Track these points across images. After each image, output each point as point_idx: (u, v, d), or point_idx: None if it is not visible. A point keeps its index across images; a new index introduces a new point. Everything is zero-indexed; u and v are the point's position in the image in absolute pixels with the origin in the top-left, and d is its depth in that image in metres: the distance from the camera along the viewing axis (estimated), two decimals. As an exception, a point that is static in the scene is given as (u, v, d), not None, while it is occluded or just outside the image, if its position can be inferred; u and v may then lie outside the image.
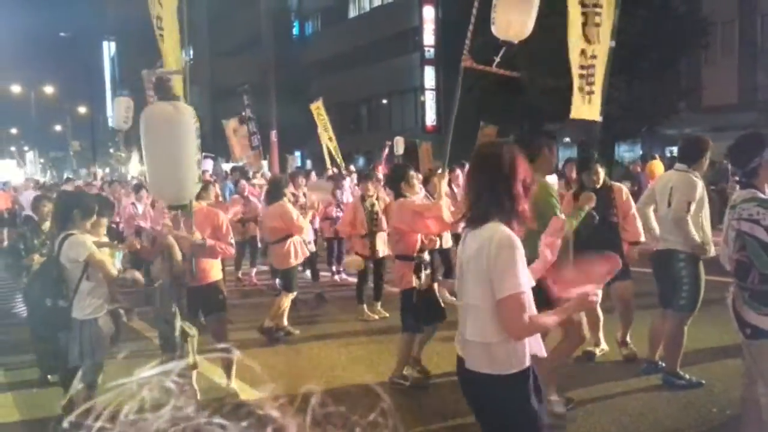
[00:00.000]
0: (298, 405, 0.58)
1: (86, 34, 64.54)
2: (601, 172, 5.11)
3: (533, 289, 2.35)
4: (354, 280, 7.67)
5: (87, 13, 71.57)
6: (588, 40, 4.63)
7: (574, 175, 5.95)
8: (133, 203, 9.27)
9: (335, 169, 13.31)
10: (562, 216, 3.91)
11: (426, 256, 4.93)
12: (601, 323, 5.30)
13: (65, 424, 0.57)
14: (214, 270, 4.93)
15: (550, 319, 2.34)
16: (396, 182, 5.22)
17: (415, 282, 4.84)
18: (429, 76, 31.43)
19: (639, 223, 5.21)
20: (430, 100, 31.65)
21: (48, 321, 4.22)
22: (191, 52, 41.26)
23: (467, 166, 2.87)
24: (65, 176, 30.52)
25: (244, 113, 15.16)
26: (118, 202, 10.08)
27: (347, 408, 0.62)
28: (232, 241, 5.12)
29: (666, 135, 21.25)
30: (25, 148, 64.84)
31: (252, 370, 0.72)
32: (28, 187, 16.75)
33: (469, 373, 2.34)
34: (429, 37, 30.96)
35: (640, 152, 22.73)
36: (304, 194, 8.30)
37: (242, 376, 4.49)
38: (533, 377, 2.32)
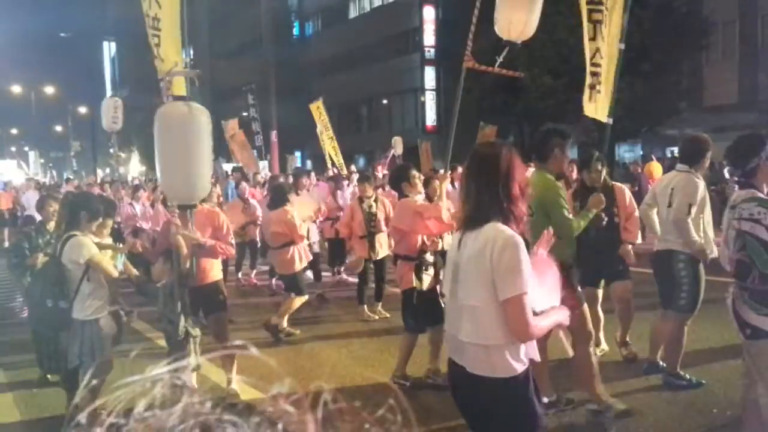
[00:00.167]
0: (300, 404, 0.58)
1: (86, 35, 64.58)
2: (602, 171, 5.10)
3: None
4: (355, 280, 7.67)
5: (87, 14, 71.59)
6: (598, 41, 4.62)
7: (574, 175, 5.94)
8: (131, 203, 9.28)
9: (335, 170, 13.31)
10: (570, 216, 3.91)
11: (429, 257, 4.91)
12: (602, 324, 5.30)
13: (78, 421, 0.57)
14: (214, 270, 4.93)
15: (546, 322, 2.33)
16: (398, 182, 5.23)
17: (415, 282, 4.84)
18: (429, 76, 31.46)
19: (638, 226, 5.20)
20: (430, 100, 31.67)
21: (49, 321, 4.22)
22: (191, 53, 41.30)
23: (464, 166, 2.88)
24: (65, 177, 30.52)
25: (247, 113, 15.19)
26: (120, 202, 10.09)
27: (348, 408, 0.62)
28: (233, 241, 5.13)
29: (667, 135, 21.25)
30: (26, 149, 64.84)
31: (252, 370, 0.72)
32: (30, 188, 16.75)
33: (467, 377, 2.30)
34: (429, 38, 30.98)
35: (641, 153, 22.75)
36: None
37: (243, 376, 4.49)
38: (532, 379, 2.32)
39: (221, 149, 19.54)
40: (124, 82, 60.89)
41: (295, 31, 41.76)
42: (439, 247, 4.99)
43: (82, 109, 48.45)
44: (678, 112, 19.85)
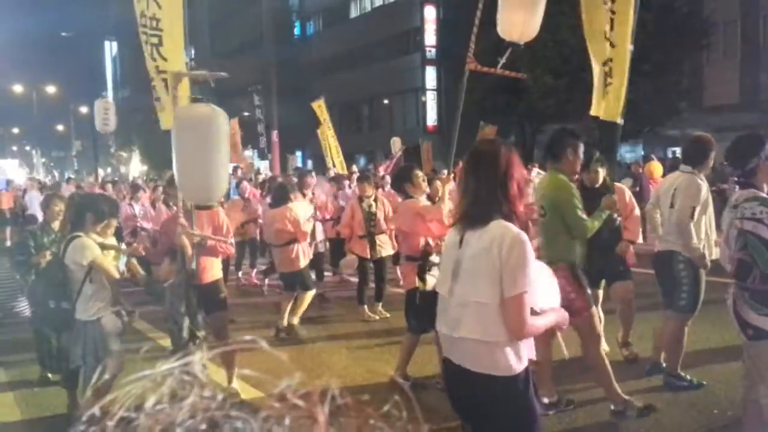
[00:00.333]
0: (308, 400, 0.58)
1: (88, 34, 64.64)
2: (601, 171, 5.10)
3: None
4: (355, 280, 7.68)
5: (89, 13, 71.68)
6: (610, 44, 4.62)
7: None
8: (130, 203, 9.29)
9: (335, 169, 13.32)
10: (584, 216, 3.91)
11: (435, 258, 4.91)
12: (602, 324, 5.29)
13: (89, 416, 0.58)
14: (214, 269, 4.94)
15: (542, 321, 2.34)
16: (401, 182, 5.23)
17: (418, 283, 4.84)
18: (430, 76, 31.45)
19: (639, 225, 5.19)
20: (431, 100, 31.66)
21: (51, 322, 4.23)
22: (192, 52, 41.29)
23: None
24: (66, 176, 30.53)
25: (248, 113, 15.21)
26: (122, 202, 10.09)
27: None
28: (232, 240, 5.15)
29: (668, 135, 21.24)
30: (27, 148, 64.88)
31: (253, 369, 0.72)
32: (34, 187, 16.75)
33: (466, 375, 2.30)
34: (430, 38, 30.96)
35: (642, 153, 22.73)
36: (313, 193, 8.41)
37: (243, 375, 4.50)
38: (532, 379, 2.33)
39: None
40: (125, 82, 60.94)
41: (296, 30, 41.76)
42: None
43: (84, 109, 48.45)
44: (679, 112, 19.85)
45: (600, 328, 4.18)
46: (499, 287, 2.20)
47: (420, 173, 5.27)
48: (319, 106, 14.03)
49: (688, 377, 4.62)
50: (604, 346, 5.32)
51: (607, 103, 4.61)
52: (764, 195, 3.20)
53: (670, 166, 11.99)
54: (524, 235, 2.25)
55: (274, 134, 28.68)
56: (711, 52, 21.17)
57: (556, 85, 20.36)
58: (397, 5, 32.93)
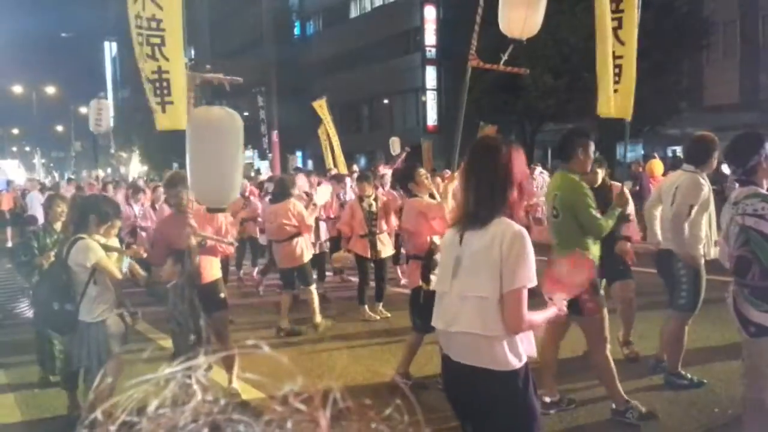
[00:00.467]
0: (310, 403, 0.58)
1: (88, 35, 64.70)
2: (600, 172, 5.10)
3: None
4: (355, 280, 7.68)
5: (88, 14, 71.74)
6: (620, 41, 4.66)
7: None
8: (129, 203, 9.29)
9: (336, 169, 13.30)
10: (598, 215, 3.91)
11: (439, 257, 4.91)
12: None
13: (91, 420, 0.57)
14: (214, 269, 4.95)
15: (538, 318, 2.35)
16: (405, 182, 5.25)
17: (421, 282, 4.84)
18: (430, 76, 31.45)
19: (635, 223, 5.20)
20: (431, 100, 31.66)
21: (55, 323, 4.22)
22: (192, 53, 41.31)
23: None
24: (66, 177, 30.53)
25: (247, 113, 15.19)
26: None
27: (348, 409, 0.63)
28: (232, 240, 5.15)
29: (668, 135, 21.26)
30: (27, 149, 64.89)
31: (253, 370, 0.72)
32: (35, 188, 16.74)
33: (466, 371, 2.31)
34: (430, 37, 30.96)
35: (642, 152, 22.72)
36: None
37: (244, 376, 4.50)
38: (531, 376, 2.34)
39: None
40: (125, 83, 60.90)
41: (296, 30, 41.76)
42: None
43: (83, 110, 48.47)
44: (679, 112, 19.86)
45: (607, 332, 4.18)
46: (500, 282, 2.23)
47: (423, 171, 5.29)
48: (320, 106, 13.99)
49: (689, 376, 4.62)
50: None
51: (617, 101, 4.64)
52: (764, 191, 3.22)
53: (670, 166, 12.00)
54: (525, 231, 2.27)
55: (274, 134, 28.70)
56: (711, 52, 21.19)
57: (555, 85, 20.37)
58: (397, 5, 32.93)
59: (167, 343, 5.06)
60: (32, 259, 5.02)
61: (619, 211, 4.12)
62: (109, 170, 43.33)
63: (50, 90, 49.15)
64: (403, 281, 8.87)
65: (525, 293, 2.23)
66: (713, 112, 19.69)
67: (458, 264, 2.35)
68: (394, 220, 7.42)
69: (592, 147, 4.07)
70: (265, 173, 17.31)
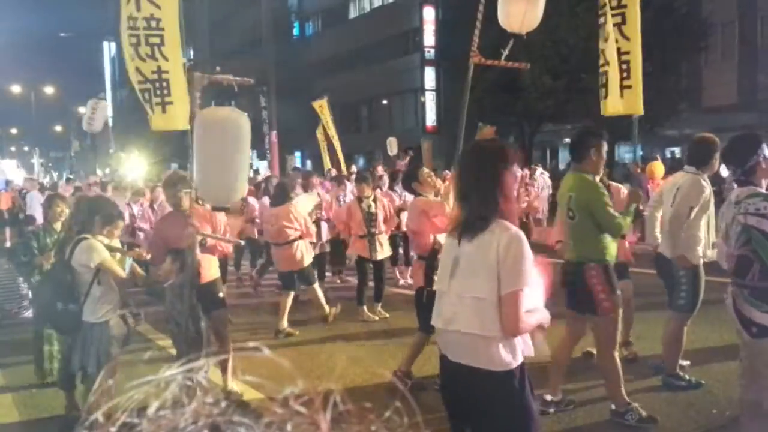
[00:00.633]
0: (310, 405, 0.58)
1: (87, 35, 64.63)
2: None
3: None
4: (355, 280, 7.68)
5: (87, 14, 71.72)
6: (625, 37, 4.68)
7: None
8: (128, 204, 9.29)
9: (335, 170, 13.30)
10: (616, 213, 3.93)
11: None
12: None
13: (90, 421, 0.57)
14: (212, 268, 4.95)
15: (534, 320, 2.36)
16: (409, 182, 5.27)
17: (423, 282, 4.85)
18: (429, 76, 31.46)
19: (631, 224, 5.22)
20: (430, 100, 31.67)
21: (58, 323, 4.21)
22: (191, 53, 41.29)
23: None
24: (65, 177, 30.48)
25: (248, 114, 15.15)
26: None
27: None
28: (231, 238, 5.18)
29: (666, 135, 21.28)
30: (25, 148, 64.81)
31: (252, 371, 0.72)
32: (34, 188, 16.72)
33: (463, 371, 2.33)
34: (429, 38, 30.97)
35: (641, 153, 22.73)
36: (319, 194, 8.49)
37: (243, 377, 4.50)
38: (527, 376, 2.36)
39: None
40: (124, 83, 60.83)
41: (295, 31, 41.74)
42: None
43: (82, 110, 48.45)
44: (677, 113, 19.87)
45: (619, 332, 4.20)
46: (497, 283, 2.24)
47: (426, 170, 5.31)
48: (321, 106, 13.93)
49: (687, 377, 4.62)
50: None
51: (628, 97, 4.67)
52: (765, 191, 3.24)
53: (669, 167, 12.00)
54: (522, 234, 2.29)
55: (273, 134, 28.69)
56: (709, 53, 21.20)
57: (554, 86, 20.38)
58: (396, 6, 32.94)
59: (165, 342, 5.06)
60: (32, 260, 5.01)
61: (634, 208, 4.15)
62: (107, 170, 43.25)
63: (49, 90, 49.09)
64: (401, 281, 8.88)
65: (522, 296, 2.24)
66: (712, 113, 19.69)
67: (456, 264, 2.37)
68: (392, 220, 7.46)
69: (605, 147, 4.09)
70: (264, 173, 17.30)
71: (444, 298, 2.44)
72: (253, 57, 36.84)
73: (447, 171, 10.25)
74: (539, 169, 15.08)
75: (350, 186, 9.80)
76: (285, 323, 6.63)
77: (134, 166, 15.61)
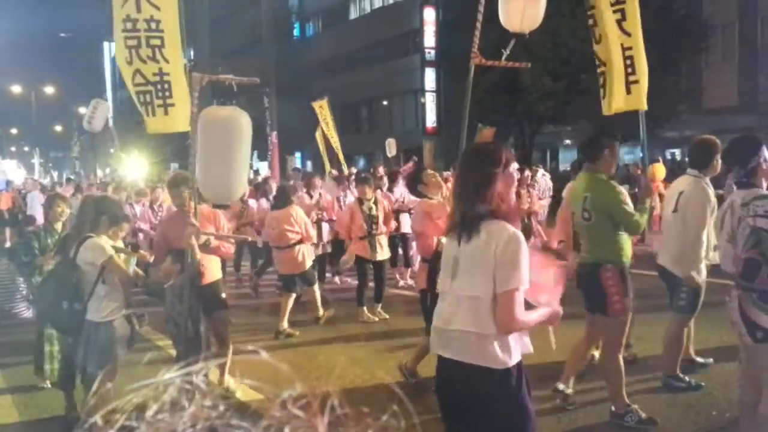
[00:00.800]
0: (308, 408, 0.58)
1: (87, 35, 64.65)
2: None
3: None
4: (354, 282, 7.68)
5: (88, 14, 71.71)
6: (626, 33, 4.70)
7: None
8: (129, 204, 9.30)
9: (335, 171, 13.29)
10: (633, 212, 3.97)
11: None
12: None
13: (90, 423, 0.58)
14: (214, 269, 4.95)
15: (533, 317, 2.38)
16: (414, 184, 5.29)
17: (426, 285, 4.85)
18: (429, 77, 31.43)
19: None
20: (430, 101, 31.64)
21: (62, 323, 4.21)
22: (192, 54, 41.29)
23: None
24: (65, 177, 30.49)
25: (249, 114, 15.13)
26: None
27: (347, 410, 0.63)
28: (232, 241, 5.18)
29: (666, 137, 21.26)
30: (26, 149, 64.81)
31: (252, 372, 0.72)
32: (36, 188, 16.74)
33: (459, 369, 2.34)
34: (429, 39, 30.94)
35: (641, 155, 22.74)
36: (320, 195, 8.48)
37: (242, 378, 4.48)
38: (524, 374, 2.37)
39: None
40: (124, 83, 60.84)
41: (296, 32, 41.74)
42: None
43: (83, 110, 48.44)
44: (677, 114, 19.87)
45: (626, 335, 4.21)
46: (493, 282, 2.27)
47: (430, 172, 5.33)
48: (321, 107, 13.89)
49: (687, 378, 4.62)
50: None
51: (635, 92, 4.69)
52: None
53: (669, 169, 12.02)
54: (520, 234, 2.31)
55: (273, 135, 28.71)
56: (709, 55, 21.20)
57: (554, 87, 20.38)
58: (396, 7, 32.95)
59: (164, 342, 5.05)
60: (33, 260, 5.01)
61: (648, 203, 4.18)
62: (107, 170, 43.27)
63: (49, 90, 49.12)
64: (401, 283, 8.89)
65: (518, 295, 2.26)
66: (712, 114, 19.70)
67: (456, 265, 2.39)
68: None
69: (618, 147, 4.14)
70: (264, 174, 17.31)
71: (445, 298, 2.46)
72: (254, 57, 36.86)
73: (447, 172, 10.25)
74: (540, 171, 15.07)
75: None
76: (285, 324, 6.64)
77: (134, 166, 15.58)
